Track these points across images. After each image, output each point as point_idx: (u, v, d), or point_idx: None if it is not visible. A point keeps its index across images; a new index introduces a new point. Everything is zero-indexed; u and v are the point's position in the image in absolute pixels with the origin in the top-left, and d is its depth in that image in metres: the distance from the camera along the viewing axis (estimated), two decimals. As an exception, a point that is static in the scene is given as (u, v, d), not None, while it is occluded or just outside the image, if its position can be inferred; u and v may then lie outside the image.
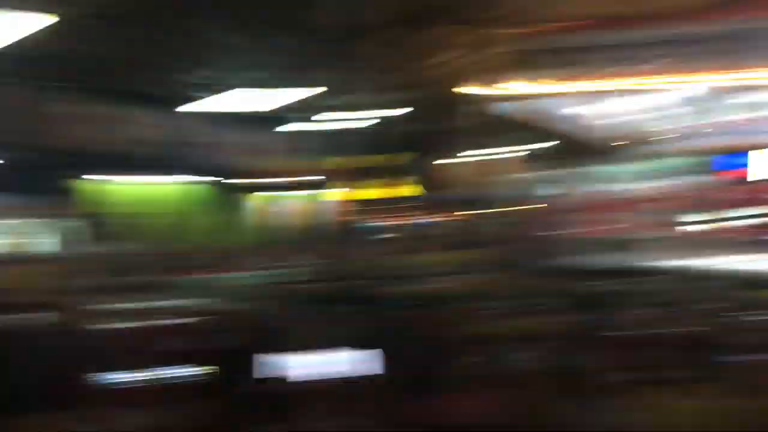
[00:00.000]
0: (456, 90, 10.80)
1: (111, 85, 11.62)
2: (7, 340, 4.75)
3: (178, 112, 13.20)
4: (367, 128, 14.40)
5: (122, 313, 5.86)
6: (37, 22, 7.89)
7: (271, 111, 13.56)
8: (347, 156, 16.12)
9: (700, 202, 13.59)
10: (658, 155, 16.80)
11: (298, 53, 10.35)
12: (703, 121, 13.96)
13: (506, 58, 10.56)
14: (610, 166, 19.80)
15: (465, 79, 10.91)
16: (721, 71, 9.49)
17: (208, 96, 12.79)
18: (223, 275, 9.53)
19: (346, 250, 12.60)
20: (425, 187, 14.58)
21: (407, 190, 13.63)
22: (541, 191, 11.63)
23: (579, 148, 19.55)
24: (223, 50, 11.33)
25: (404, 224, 22.40)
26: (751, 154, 16.33)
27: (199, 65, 11.79)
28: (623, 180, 15.80)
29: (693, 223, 13.70)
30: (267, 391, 4.74)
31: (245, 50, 11.37)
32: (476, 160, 16.26)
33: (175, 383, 4.89)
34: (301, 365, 4.88)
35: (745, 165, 17.90)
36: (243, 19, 9.99)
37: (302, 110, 14.53)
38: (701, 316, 6.16)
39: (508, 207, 13.51)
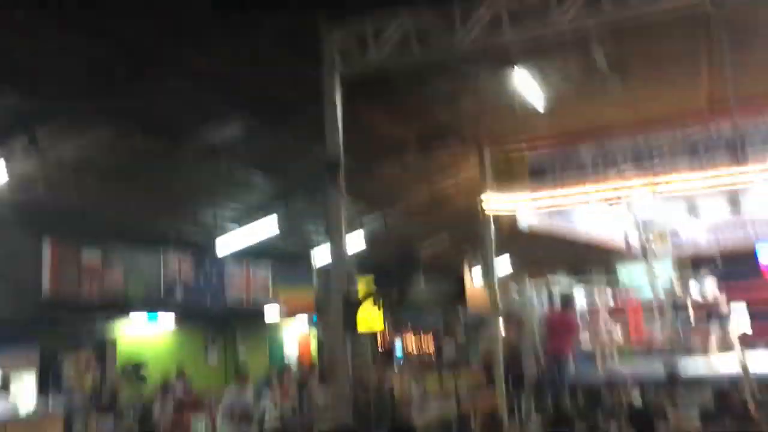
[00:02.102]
0: (470, 206, 10.92)
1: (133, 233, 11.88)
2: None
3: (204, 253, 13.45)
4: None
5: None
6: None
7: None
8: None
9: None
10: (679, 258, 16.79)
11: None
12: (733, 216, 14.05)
13: (509, 174, 10.88)
14: (629, 271, 19.70)
15: (476, 196, 11.12)
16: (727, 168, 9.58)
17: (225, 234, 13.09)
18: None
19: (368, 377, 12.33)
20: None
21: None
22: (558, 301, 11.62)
23: (597, 255, 19.60)
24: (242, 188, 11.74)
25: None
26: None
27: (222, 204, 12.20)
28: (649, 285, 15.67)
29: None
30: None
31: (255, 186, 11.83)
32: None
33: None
34: None
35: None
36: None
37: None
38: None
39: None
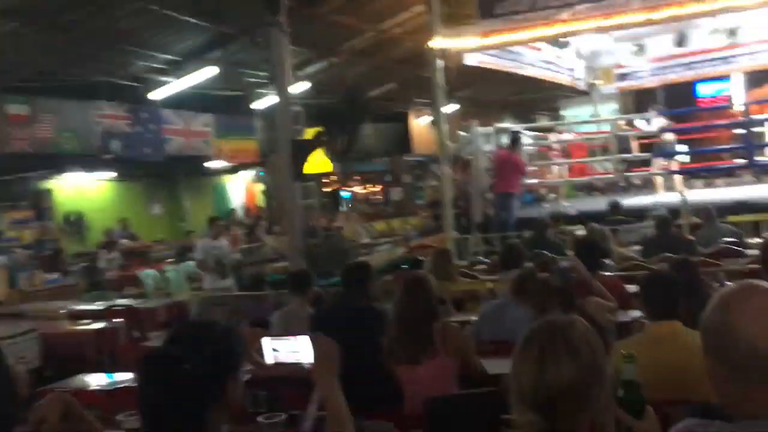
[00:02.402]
0: (417, 47, 10.55)
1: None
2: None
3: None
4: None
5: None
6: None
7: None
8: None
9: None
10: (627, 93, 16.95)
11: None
12: (678, 52, 14.11)
13: (457, 13, 10.44)
14: (575, 110, 19.86)
15: (423, 37, 10.74)
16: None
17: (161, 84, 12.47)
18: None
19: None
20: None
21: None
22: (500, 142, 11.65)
23: (544, 96, 19.61)
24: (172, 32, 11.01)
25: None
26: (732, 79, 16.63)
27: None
28: (592, 122, 15.89)
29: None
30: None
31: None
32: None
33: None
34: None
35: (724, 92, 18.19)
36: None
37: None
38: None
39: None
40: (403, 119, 19.71)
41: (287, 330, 4.79)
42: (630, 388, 1.63)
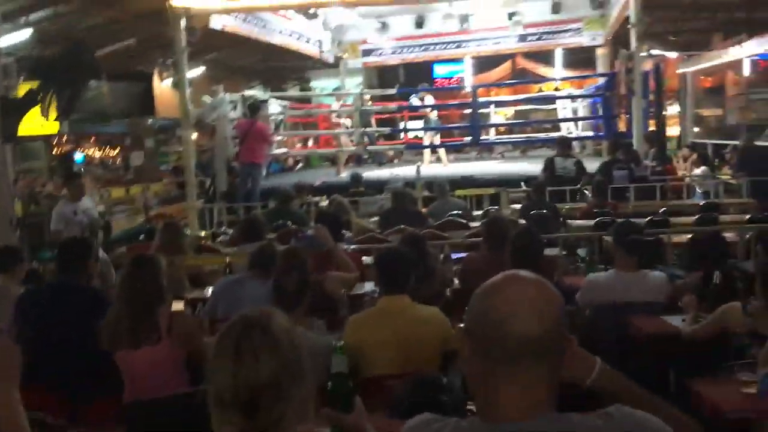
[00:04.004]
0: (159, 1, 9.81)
1: None
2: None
3: None
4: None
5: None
6: None
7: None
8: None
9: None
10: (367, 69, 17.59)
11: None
12: (417, 33, 14.88)
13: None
14: (321, 81, 20.20)
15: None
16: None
17: None
18: None
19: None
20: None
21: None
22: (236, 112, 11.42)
23: (292, 65, 19.63)
24: None
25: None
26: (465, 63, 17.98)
27: None
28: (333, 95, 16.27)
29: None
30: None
31: None
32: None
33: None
34: None
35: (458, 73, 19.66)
36: None
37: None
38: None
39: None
40: (145, 79, 18.42)
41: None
42: (338, 379, 1.59)
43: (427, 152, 13.22)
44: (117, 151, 21.07)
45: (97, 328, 3.20)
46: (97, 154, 21.36)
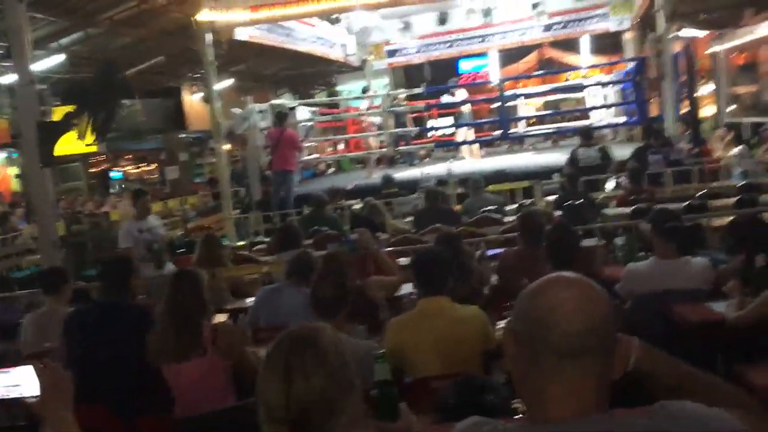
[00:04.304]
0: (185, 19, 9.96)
1: None
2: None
3: None
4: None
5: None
6: None
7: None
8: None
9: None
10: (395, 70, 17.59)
11: None
12: (441, 30, 14.88)
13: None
14: (349, 85, 20.25)
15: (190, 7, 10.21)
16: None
17: None
18: None
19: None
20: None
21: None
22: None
23: (318, 71, 19.73)
24: None
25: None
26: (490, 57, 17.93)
27: None
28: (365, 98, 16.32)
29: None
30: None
31: None
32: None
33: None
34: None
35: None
36: None
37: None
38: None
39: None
40: (175, 94, 18.74)
41: (42, 337, 4.30)
42: (384, 387, 1.61)
43: (465, 147, 13.22)
44: (153, 166, 21.44)
45: (144, 344, 3.27)
46: (134, 170, 21.77)
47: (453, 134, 14.22)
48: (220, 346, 3.18)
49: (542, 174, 9.48)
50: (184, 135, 19.25)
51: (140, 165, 21.83)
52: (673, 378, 1.41)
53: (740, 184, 7.65)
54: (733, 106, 17.08)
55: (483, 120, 14.96)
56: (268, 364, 1.44)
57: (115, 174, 20.79)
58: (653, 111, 11.61)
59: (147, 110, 17.43)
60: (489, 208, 7.44)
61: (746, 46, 16.37)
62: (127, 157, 21.34)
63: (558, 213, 6.75)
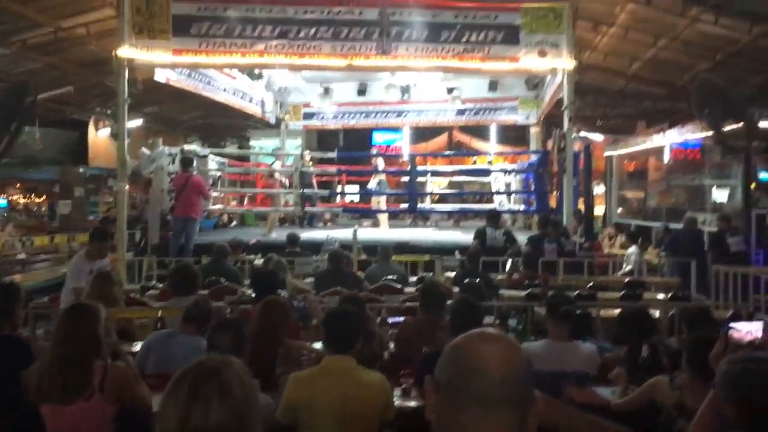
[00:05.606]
0: (102, 53, 9.74)
1: None
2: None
3: None
4: None
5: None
6: None
7: None
8: None
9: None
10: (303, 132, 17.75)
11: None
12: (359, 100, 15.23)
13: (150, 23, 9.95)
14: (262, 141, 20.22)
15: (110, 42, 10.01)
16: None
17: None
18: None
19: None
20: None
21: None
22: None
23: (232, 123, 19.62)
24: None
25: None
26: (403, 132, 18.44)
27: None
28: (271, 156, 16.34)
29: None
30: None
31: None
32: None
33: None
34: None
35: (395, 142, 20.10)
36: None
37: None
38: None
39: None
40: (81, 127, 18.05)
41: None
42: None
43: (381, 215, 13.55)
44: (42, 198, 20.39)
45: (21, 378, 3.05)
46: (22, 199, 20.61)
47: (364, 201, 14.45)
48: (110, 389, 3.01)
49: (444, 250, 9.70)
50: (83, 169, 18.48)
51: (29, 195, 20.71)
52: (571, 424, 1.49)
53: (627, 280, 8.13)
54: (621, 209, 18.28)
55: (392, 191, 15.26)
56: (171, 391, 1.43)
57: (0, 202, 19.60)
58: (551, 202, 12.23)
59: (47, 139, 16.68)
60: (390, 277, 7.51)
61: (637, 155, 17.69)
62: (17, 185, 20.21)
63: (456, 289, 6.91)
